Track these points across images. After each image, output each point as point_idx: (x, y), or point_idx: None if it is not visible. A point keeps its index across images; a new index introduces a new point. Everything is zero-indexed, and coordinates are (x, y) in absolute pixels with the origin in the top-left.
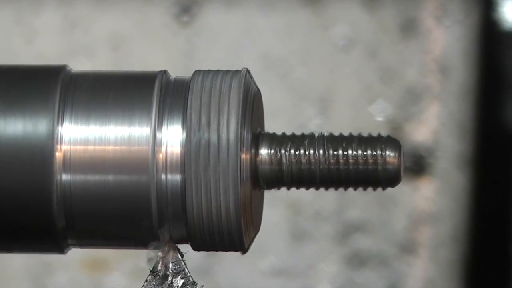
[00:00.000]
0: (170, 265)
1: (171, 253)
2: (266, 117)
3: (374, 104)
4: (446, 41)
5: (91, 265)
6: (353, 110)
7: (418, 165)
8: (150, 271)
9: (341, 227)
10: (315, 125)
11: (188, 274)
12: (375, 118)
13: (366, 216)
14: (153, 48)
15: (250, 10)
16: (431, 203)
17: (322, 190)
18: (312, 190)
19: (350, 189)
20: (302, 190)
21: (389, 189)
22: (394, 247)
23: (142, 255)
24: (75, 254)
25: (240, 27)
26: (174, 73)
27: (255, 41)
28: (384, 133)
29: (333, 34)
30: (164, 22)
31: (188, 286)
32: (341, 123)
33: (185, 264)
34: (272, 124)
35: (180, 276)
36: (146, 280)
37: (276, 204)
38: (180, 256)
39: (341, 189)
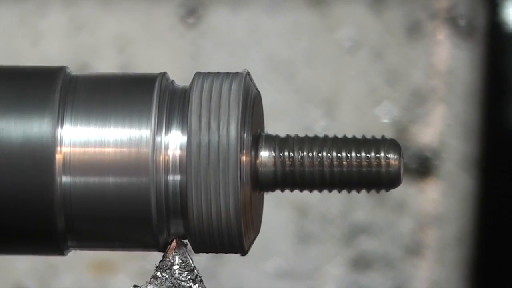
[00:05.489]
0: (176, 258)
1: (177, 247)
2: (271, 119)
3: (380, 106)
4: (452, 43)
5: (96, 266)
6: (358, 112)
7: (424, 167)
8: (156, 266)
9: (347, 229)
10: (320, 127)
11: (194, 268)
12: (380, 120)
13: (372, 218)
14: (159, 50)
15: (255, 12)
16: (437, 205)
17: (328, 192)
18: (318, 192)
19: (355, 191)
20: (308, 192)
21: (395, 191)
22: (399, 249)
23: (148, 257)
24: (81, 255)
25: (245, 29)
26: (179, 75)
27: (260, 43)
28: (389, 135)
29: (339, 36)
30: (170, 24)
31: (193, 279)
32: (346, 125)
33: (190, 257)
34: (277, 126)
35: (186, 269)
36: (152, 276)
37: (282, 206)
38: (185, 250)
39: (346, 191)
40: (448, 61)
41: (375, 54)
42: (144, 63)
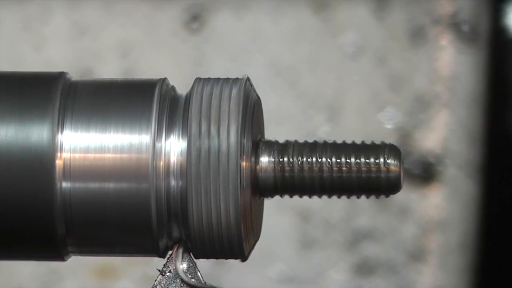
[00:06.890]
0: (180, 263)
1: (180, 252)
2: (274, 124)
3: (383, 112)
4: (455, 49)
5: (99, 272)
6: (361, 117)
7: (427, 173)
8: (160, 272)
9: (350, 234)
10: (323, 133)
11: (197, 273)
12: (384, 126)
13: (375, 223)
14: (162, 55)
15: (259, 17)
16: (440, 210)
17: (328, 197)
18: (318, 197)
19: (355, 197)
20: (307, 197)
21: (397, 197)
22: (403, 255)
23: (151, 263)
24: (83, 261)
25: (248, 34)
26: (182, 81)
27: (263, 48)
28: (392, 140)
29: (342, 41)
30: (173, 29)
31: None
32: (349, 131)
33: (194, 262)
34: (280, 132)
35: (190, 276)
36: (156, 281)
37: (285, 211)
38: (189, 255)
39: (346, 197)
40: (451, 66)
41: (378, 60)
42: (147, 69)
